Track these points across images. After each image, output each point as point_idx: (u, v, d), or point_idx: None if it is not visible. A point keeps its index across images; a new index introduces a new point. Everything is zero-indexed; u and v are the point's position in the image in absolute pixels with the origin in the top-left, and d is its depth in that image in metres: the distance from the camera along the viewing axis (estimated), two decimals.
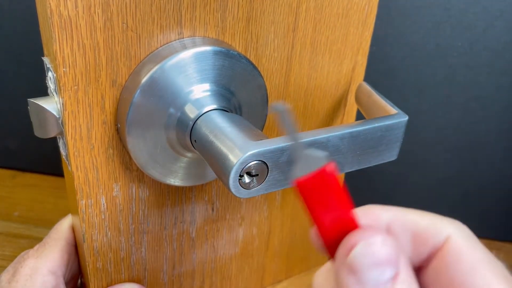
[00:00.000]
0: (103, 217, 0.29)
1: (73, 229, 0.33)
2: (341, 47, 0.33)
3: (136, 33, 0.25)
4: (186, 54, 0.26)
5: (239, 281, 0.40)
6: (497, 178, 0.54)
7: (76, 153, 0.26)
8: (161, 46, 0.26)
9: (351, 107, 0.37)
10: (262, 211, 0.38)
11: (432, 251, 0.21)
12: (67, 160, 0.27)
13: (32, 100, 0.26)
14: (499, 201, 0.55)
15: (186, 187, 0.32)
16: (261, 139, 0.24)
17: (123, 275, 0.32)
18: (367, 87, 0.34)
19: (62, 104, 0.25)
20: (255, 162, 0.23)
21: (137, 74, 0.26)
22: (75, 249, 0.33)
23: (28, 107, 0.26)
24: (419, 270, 0.22)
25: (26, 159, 0.59)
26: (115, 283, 0.32)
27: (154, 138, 0.27)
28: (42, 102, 0.26)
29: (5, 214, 0.52)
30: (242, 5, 0.28)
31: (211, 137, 0.25)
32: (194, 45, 0.26)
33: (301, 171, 0.18)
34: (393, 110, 0.30)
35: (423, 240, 0.21)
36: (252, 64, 0.28)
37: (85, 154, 0.27)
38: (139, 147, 0.27)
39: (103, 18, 0.24)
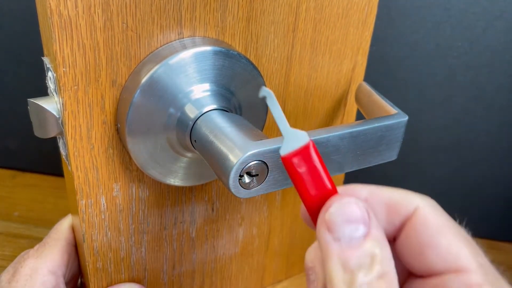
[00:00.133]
0: (103, 217, 0.29)
1: (73, 229, 0.33)
2: (341, 47, 0.33)
3: (136, 33, 0.25)
4: (186, 54, 0.26)
5: (239, 281, 0.40)
6: (497, 178, 0.54)
7: (76, 153, 0.26)
8: (161, 46, 0.26)
9: (351, 107, 0.37)
10: (262, 211, 0.38)
11: (404, 220, 0.23)
12: (67, 160, 0.27)
13: (32, 100, 0.26)
14: (499, 201, 0.55)
15: (186, 187, 0.32)
16: (261, 139, 0.24)
17: (123, 275, 0.32)
18: (367, 87, 0.34)
19: (62, 104, 0.25)
20: (255, 162, 0.23)
21: (137, 74, 0.26)
22: (75, 249, 0.33)
23: (28, 107, 0.26)
24: (394, 241, 0.24)
25: (26, 159, 0.59)
26: (115, 283, 0.32)
27: (154, 138, 0.27)
28: (42, 102, 0.26)
29: (5, 214, 0.52)
30: (242, 5, 0.28)
31: (211, 137, 0.25)
32: (194, 45, 0.26)
33: (287, 148, 0.20)
34: (393, 110, 0.30)
35: (395, 211, 0.23)
36: (252, 64, 0.28)
37: (85, 154, 0.27)
38: (139, 147, 0.27)
39: (103, 18, 0.24)
